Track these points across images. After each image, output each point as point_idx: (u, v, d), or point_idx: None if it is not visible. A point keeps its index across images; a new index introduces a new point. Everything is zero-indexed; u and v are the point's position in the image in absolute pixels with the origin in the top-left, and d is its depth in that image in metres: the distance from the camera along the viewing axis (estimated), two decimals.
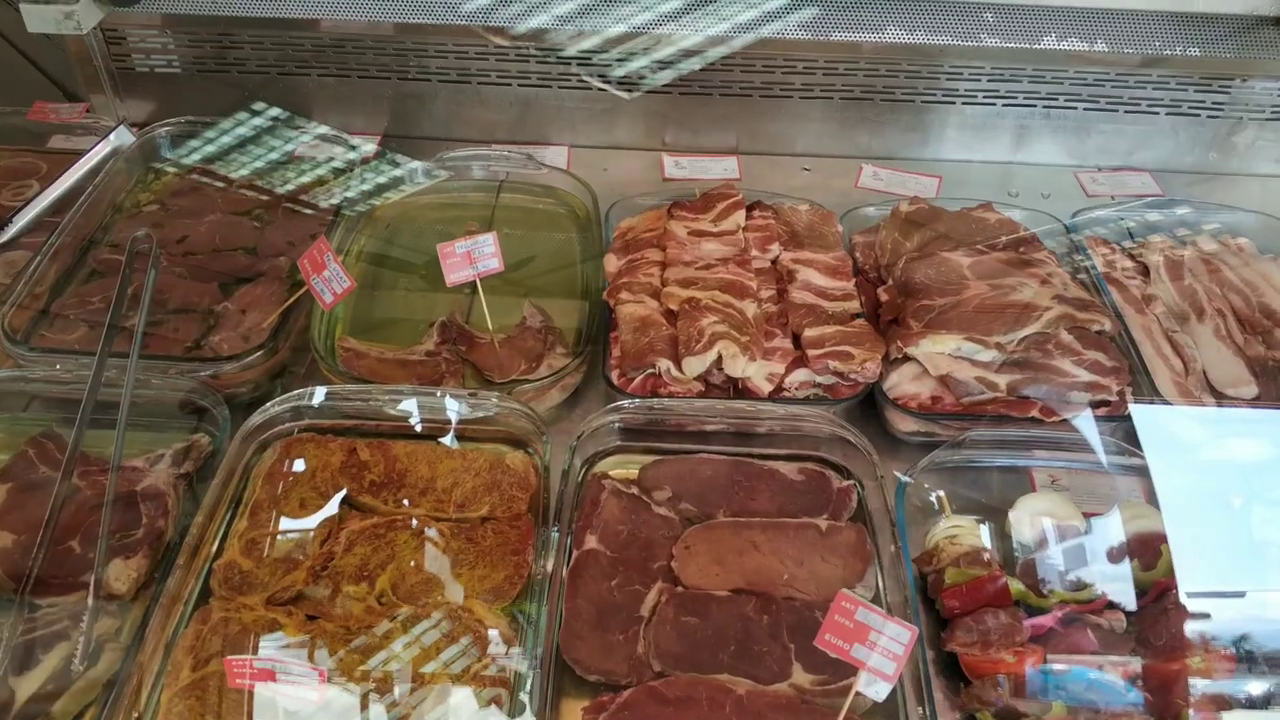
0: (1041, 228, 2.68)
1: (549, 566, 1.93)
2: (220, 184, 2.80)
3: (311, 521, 1.99)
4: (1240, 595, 1.87)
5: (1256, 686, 1.82)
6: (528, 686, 1.75)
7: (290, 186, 2.79)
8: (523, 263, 2.64)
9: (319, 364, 2.29)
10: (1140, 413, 2.00)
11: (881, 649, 1.68)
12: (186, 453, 2.10)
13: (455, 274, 2.28)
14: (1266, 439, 2.00)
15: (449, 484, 2.06)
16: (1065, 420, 2.21)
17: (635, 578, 1.96)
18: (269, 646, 1.77)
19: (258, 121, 2.93)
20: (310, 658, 1.76)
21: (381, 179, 2.82)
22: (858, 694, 1.70)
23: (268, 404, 2.14)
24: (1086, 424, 2.19)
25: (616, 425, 2.19)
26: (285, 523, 1.98)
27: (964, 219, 2.64)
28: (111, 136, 2.82)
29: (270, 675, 1.50)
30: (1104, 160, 3.12)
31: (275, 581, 1.88)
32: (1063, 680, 1.82)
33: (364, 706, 1.72)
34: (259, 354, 2.24)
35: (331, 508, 2.03)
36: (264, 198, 2.76)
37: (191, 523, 1.95)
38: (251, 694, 1.67)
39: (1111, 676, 1.80)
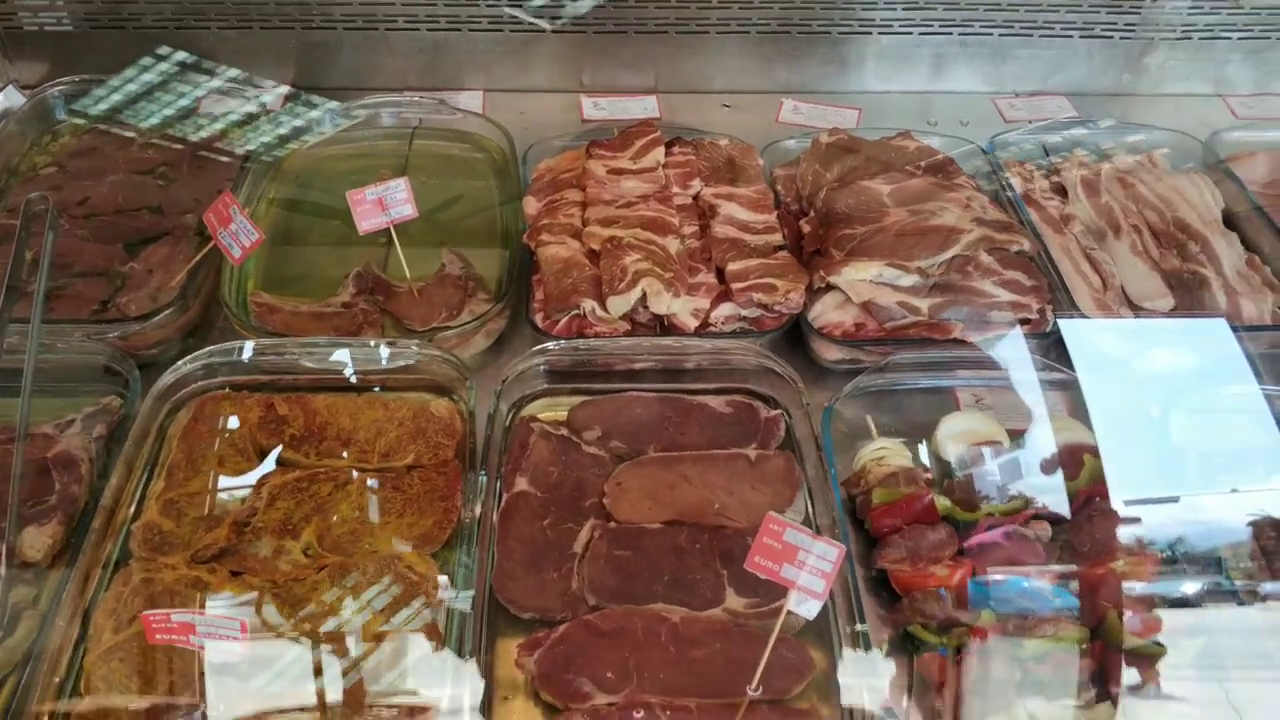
0: (959, 150, 2.69)
1: (478, 511, 1.91)
2: (121, 143, 2.70)
3: (231, 478, 1.94)
4: (1167, 500, 1.91)
5: (1182, 587, 1.85)
6: (462, 629, 1.73)
7: (195, 139, 2.69)
8: (440, 210, 2.59)
9: (231, 320, 2.23)
10: (1068, 326, 2.01)
11: (810, 567, 1.68)
12: (97, 416, 2.04)
13: (367, 221, 2.23)
14: (1185, 348, 2.03)
15: (372, 434, 2.02)
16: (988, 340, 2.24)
17: (567, 517, 1.95)
18: (214, 605, 1.73)
19: (163, 67, 2.82)
20: (258, 612, 1.73)
21: (289, 128, 2.74)
22: (789, 613, 1.70)
23: (179, 362, 2.08)
24: (1009, 343, 2.22)
25: (542, 368, 2.17)
26: (204, 481, 1.93)
27: (883, 148, 2.64)
28: (0, 97, 2.70)
29: (190, 629, 1.46)
30: (1020, 85, 3.13)
31: (197, 540, 1.83)
32: (994, 591, 1.84)
33: (298, 658, 1.69)
34: (168, 312, 2.17)
35: (257, 464, 1.98)
36: (168, 155, 2.67)
37: (106, 486, 1.89)
38: (178, 652, 1.64)
39: (1040, 584, 1.83)
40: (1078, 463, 1.96)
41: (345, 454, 1.99)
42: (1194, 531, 1.91)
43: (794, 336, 2.32)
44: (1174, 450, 1.90)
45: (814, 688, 1.75)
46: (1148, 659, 1.73)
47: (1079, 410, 2.05)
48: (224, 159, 2.66)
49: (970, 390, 2.20)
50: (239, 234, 2.20)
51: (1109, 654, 1.73)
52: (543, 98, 3.05)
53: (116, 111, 2.77)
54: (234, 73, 2.82)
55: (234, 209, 2.20)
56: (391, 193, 2.23)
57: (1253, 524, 1.92)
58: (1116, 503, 1.84)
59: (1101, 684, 1.71)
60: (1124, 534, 1.89)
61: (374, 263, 2.40)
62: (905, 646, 1.82)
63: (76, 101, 2.81)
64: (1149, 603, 1.84)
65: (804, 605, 1.70)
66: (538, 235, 2.36)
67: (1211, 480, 1.91)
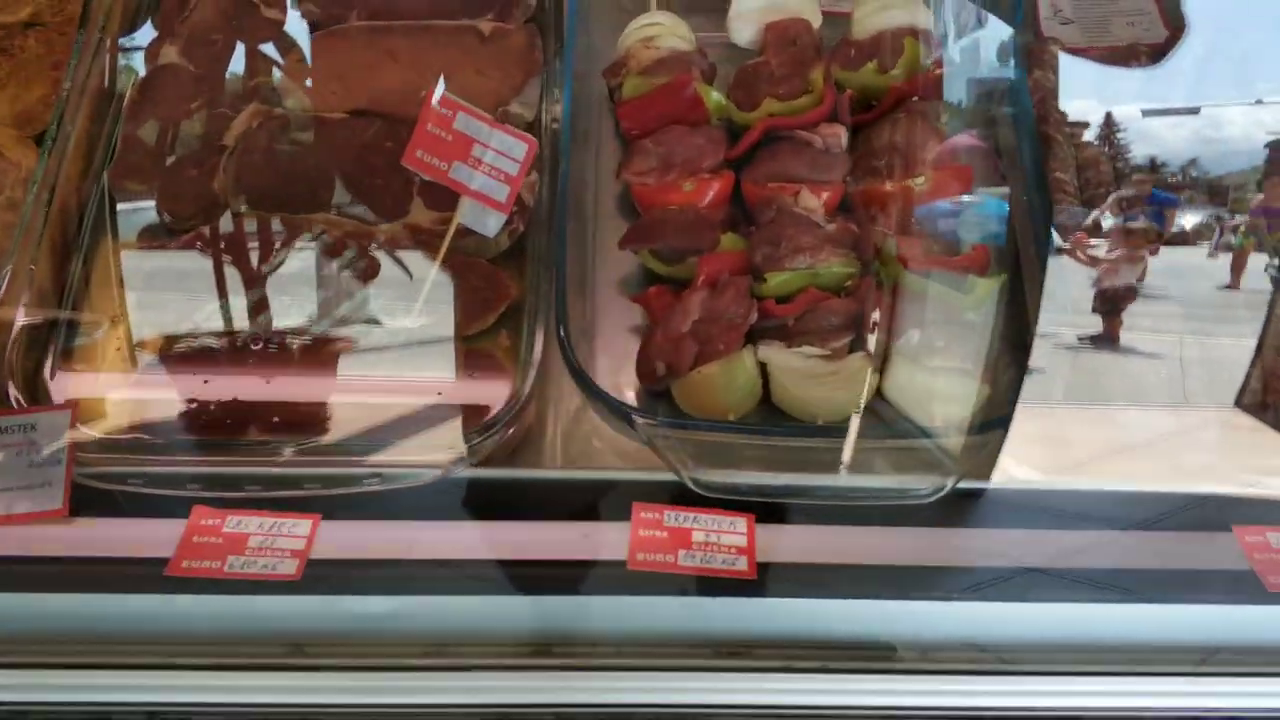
0: None
1: (106, 83, 1.47)
2: None
3: None
4: None
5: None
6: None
7: None
8: None
9: None
10: None
11: (487, 167, 1.27)
12: None
13: None
14: None
15: None
16: None
17: (224, 100, 1.50)
18: None
19: None
20: None
21: None
22: (473, 232, 1.32)
23: None
24: None
25: None
26: None
27: None
28: None
29: None
30: None
31: None
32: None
33: None
34: None
35: None
36: None
37: None
38: None
39: (813, 202, 1.41)
40: (896, 50, 1.48)
41: None
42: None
43: None
44: None
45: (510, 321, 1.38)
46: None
47: None
48: None
49: None
50: None
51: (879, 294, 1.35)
52: None
53: None
54: None
55: None
56: None
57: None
58: None
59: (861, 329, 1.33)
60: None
61: None
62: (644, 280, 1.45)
63: None
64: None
65: (485, 219, 1.32)
66: None
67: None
